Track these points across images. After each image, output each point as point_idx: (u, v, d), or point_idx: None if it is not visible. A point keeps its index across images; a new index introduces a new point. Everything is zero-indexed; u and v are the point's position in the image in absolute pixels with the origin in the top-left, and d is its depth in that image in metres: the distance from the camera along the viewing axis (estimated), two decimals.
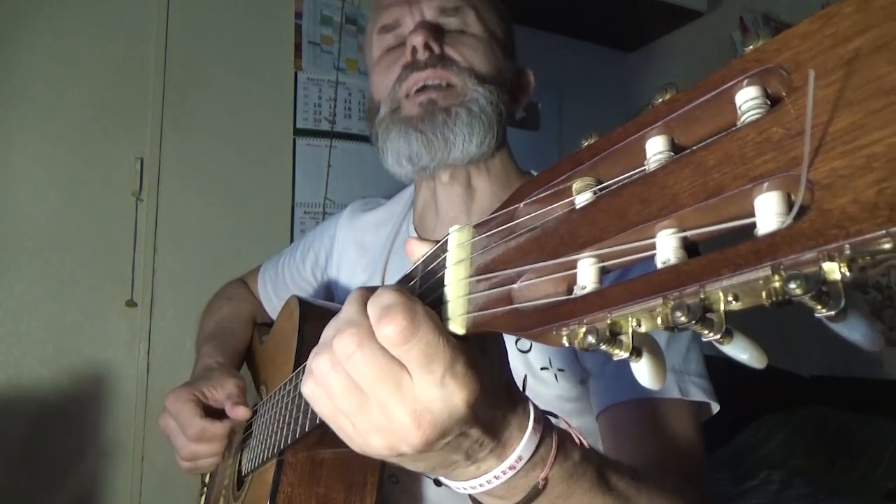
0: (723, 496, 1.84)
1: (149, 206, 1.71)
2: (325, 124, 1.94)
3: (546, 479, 0.39)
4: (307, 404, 0.58)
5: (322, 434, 0.71)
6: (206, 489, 1.05)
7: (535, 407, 0.40)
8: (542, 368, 0.74)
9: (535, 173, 0.89)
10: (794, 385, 2.46)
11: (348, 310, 0.35)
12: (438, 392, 0.33)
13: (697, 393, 0.67)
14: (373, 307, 0.34)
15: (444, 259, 0.35)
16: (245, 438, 0.90)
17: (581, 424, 0.74)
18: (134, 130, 1.72)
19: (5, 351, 1.56)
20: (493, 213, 0.33)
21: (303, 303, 0.85)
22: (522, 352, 0.76)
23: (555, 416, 0.43)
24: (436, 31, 0.79)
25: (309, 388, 0.37)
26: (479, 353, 0.36)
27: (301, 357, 0.76)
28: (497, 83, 0.80)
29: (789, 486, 1.86)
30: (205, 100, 1.80)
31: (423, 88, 0.77)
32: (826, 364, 2.50)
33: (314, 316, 0.84)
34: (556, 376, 0.74)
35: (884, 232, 0.16)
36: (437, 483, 0.79)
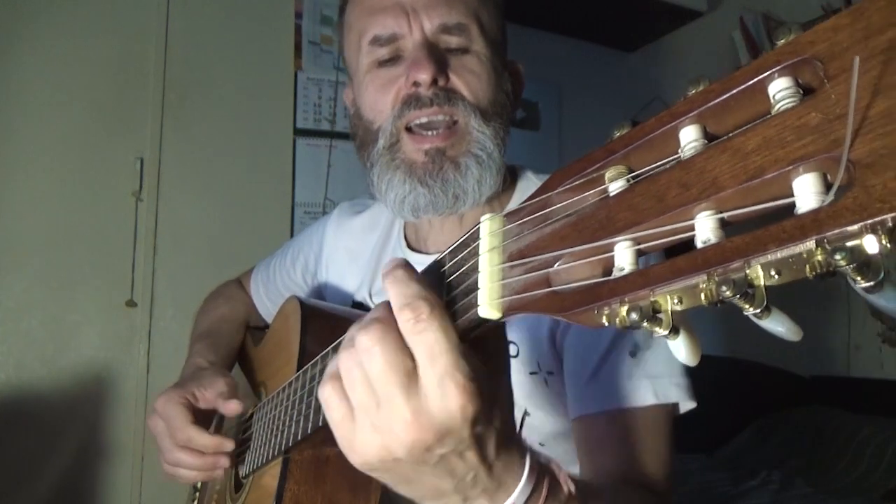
0: (723, 496, 1.84)
1: (149, 206, 1.71)
2: (325, 124, 1.94)
3: None
4: (318, 401, 0.58)
5: (330, 431, 0.71)
6: (197, 493, 1.05)
7: (532, 452, 0.41)
8: (531, 373, 0.74)
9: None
10: (794, 385, 2.47)
11: (376, 310, 0.37)
12: (437, 392, 0.34)
13: (676, 394, 0.67)
14: (400, 293, 0.35)
15: (476, 247, 0.36)
16: (243, 441, 0.89)
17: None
18: (134, 130, 1.72)
19: (5, 351, 1.56)
20: (525, 201, 0.34)
21: (303, 303, 0.85)
22: (510, 357, 0.75)
23: (544, 457, 0.43)
24: (440, 61, 0.70)
25: (327, 391, 0.39)
26: (488, 381, 0.36)
27: (305, 356, 0.75)
28: (501, 114, 0.75)
29: (789, 486, 1.86)
30: (205, 100, 1.80)
31: (427, 125, 0.71)
32: (826, 364, 2.51)
33: (315, 316, 0.84)
34: (545, 380, 0.74)
35: None
36: None
